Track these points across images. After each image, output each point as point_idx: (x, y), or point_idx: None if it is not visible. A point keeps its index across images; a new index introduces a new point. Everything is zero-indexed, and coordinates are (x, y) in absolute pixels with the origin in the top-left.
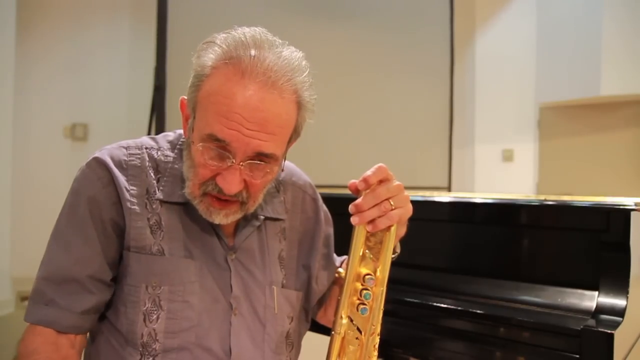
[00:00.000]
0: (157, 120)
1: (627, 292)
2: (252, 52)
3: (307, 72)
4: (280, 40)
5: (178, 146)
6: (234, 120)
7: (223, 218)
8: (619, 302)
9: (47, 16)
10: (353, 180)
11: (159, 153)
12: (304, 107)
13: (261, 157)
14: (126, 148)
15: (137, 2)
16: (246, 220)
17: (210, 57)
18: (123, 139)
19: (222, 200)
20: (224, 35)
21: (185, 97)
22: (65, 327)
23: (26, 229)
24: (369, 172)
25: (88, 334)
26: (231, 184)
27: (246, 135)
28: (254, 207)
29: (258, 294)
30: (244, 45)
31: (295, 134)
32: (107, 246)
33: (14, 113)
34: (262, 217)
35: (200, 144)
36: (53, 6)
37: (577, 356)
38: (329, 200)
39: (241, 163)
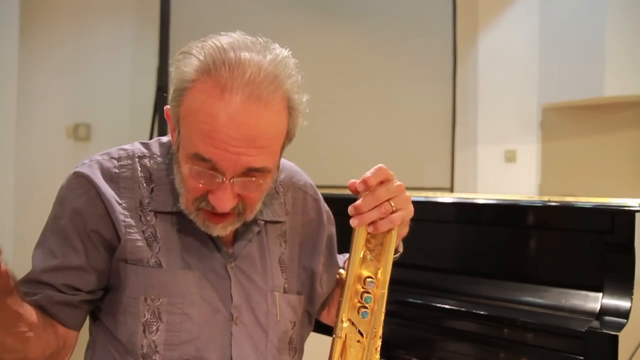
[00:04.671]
0: (160, 121)
1: (632, 294)
2: (231, 63)
3: (294, 73)
4: (262, 41)
5: (172, 151)
6: (218, 139)
7: (221, 230)
8: (623, 303)
9: (50, 17)
10: (353, 180)
11: (151, 161)
12: (295, 111)
13: (252, 172)
14: (117, 159)
15: (140, 4)
16: (245, 226)
17: (187, 69)
18: (126, 139)
19: (218, 215)
20: (199, 44)
21: (169, 107)
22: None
23: (29, 228)
24: (368, 173)
25: (89, 340)
26: (224, 202)
27: (233, 153)
28: (253, 216)
29: (259, 301)
30: (220, 56)
31: (287, 139)
32: (93, 257)
33: (17, 113)
34: (262, 222)
35: (188, 165)
36: (56, 7)
37: (582, 358)
38: (330, 200)
39: (232, 180)
